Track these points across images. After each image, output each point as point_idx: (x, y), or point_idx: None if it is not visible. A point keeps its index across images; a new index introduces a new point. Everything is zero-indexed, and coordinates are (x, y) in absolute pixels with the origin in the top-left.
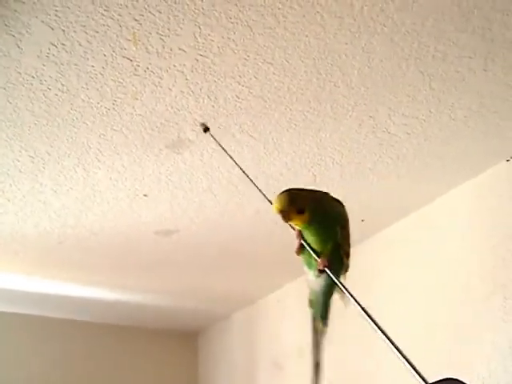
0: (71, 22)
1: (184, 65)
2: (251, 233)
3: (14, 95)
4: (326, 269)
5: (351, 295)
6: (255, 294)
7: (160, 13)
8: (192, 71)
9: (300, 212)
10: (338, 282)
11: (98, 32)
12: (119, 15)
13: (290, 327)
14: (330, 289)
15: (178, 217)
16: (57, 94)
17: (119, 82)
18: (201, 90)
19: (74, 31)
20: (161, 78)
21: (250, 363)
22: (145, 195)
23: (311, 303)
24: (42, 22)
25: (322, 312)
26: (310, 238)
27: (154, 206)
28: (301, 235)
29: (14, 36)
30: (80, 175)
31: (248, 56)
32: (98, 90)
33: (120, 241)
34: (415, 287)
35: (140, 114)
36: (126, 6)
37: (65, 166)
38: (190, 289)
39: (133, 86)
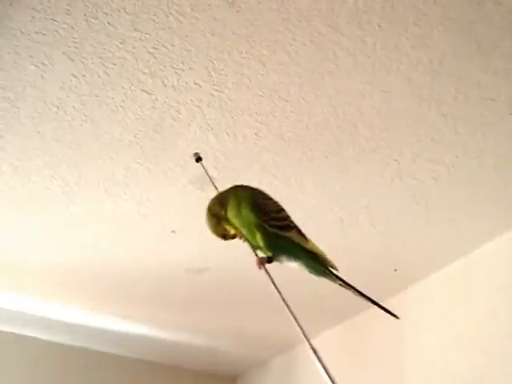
0: (89, 54)
1: (200, 100)
2: (286, 273)
3: (41, 124)
4: (263, 267)
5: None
6: (294, 340)
7: (173, 46)
8: (209, 106)
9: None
10: (275, 287)
11: (115, 64)
12: (134, 48)
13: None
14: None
15: (208, 254)
16: (81, 125)
17: (139, 114)
18: (219, 125)
19: (93, 63)
20: (179, 113)
21: None
22: (172, 231)
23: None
24: (63, 53)
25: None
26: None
27: (183, 242)
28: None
29: (37, 67)
30: (109, 207)
31: (263, 92)
32: (119, 121)
33: (151, 277)
34: (447, 343)
35: (161, 148)
36: (141, 39)
37: (94, 198)
38: (226, 330)
39: (152, 119)
